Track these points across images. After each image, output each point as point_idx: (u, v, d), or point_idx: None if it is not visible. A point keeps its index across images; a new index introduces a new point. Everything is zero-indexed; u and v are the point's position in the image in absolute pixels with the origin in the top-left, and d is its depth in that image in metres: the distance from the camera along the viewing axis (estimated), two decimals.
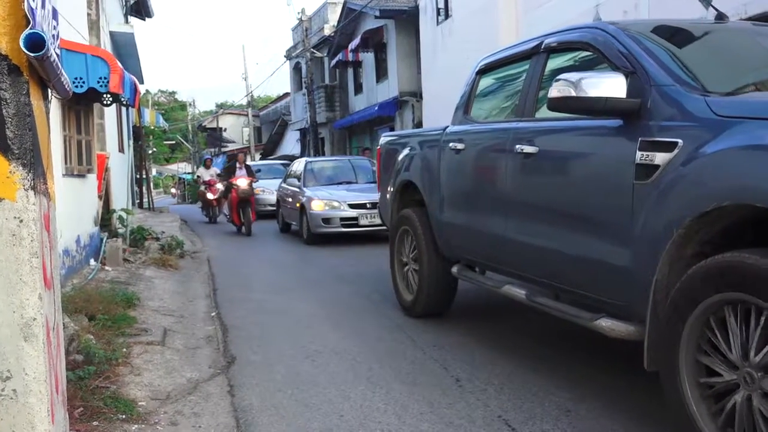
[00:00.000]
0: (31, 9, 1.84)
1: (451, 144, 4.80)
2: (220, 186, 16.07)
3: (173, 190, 36.79)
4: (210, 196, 16.73)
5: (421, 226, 5.25)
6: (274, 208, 15.24)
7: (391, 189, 5.91)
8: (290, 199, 12.94)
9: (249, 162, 28.16)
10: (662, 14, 8.93)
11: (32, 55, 1.84)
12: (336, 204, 11.11)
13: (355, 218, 10.96)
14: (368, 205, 10.92)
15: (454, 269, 4.98)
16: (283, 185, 14.01)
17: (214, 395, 3.78)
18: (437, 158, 5.02)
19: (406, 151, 5.67)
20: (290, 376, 4.11)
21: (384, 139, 6.46)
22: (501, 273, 4.42)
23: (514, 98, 4.26)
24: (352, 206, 11.03)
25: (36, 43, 1.84)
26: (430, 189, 5.12)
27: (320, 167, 13.37)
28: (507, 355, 4.35)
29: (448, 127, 5.05)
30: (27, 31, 1.83)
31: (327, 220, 11.03)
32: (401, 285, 5.76)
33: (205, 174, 17.49)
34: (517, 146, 3.87)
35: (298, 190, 12.46)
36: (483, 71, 4.92)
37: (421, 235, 5.24)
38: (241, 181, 13.13)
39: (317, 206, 11.15)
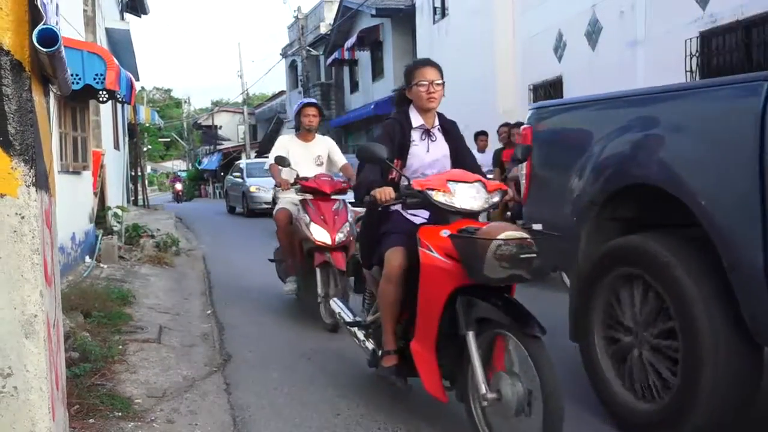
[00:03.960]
0: (43, 4, 1.83)
1: None
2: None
3: (178, 186, 33.99)
4: (318, 237, 4.98)
5: (693, 276, 2.74)
6: (270, 206, 15.15)
7: (581, 200, 3.37)
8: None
9: (244, 160, 25.85)
10: (658, 14, 8.96)
11: (45, 50, 1.84)
12: None
13: None
14: None
15: None
16: None
17: (211, 393, 3.78)
18: (752, 140, 2.48)
19: (620, 131, 3.18)
20: (287, 374, 4.11)
21: (544, 111, 3.95)
22: None
23: None
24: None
25: (49, 38, 1.83)
26: (733, 206, 2.57)
27: None
28: None
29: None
30: (40, 26, 1.83)
31: None
32: (612, 376, 3.21)
33: (308, 161, 5.58)
34: None
35: None
36: None
37: (695, 293, 2.72)
38: (469, 193, 2.98)
39: None
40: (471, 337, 2.75)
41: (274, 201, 13.90)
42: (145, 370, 4.07)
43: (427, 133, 3.44)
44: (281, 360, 4.41)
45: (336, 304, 4.24)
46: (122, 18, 16.12)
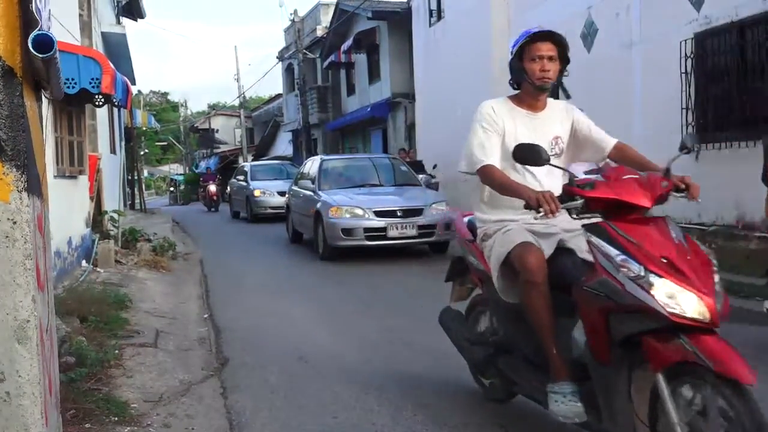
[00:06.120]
0: (38, 10, 1.83)
1: None
2: None
3: (212, 188, 26.84)
4: (680, 306, 2.18)
5: None
6: (275, 211, 14.85)
7: None
8: (302, 205, 10.76)
9: (248, 162, 23.67)
10: (653, 16, 8.98)
11: (41, 56, 1.84)
12: (359, 212, 9.04)
13: (383, 229, 8.94)
14: (399, 213, 9.02)
15: None
16: (294, 188, 11.73)
17: (207, 397, 3.78)
18: None
19: None
20: (283, 377, 4.10)
21: None
22: None
23: None
24: (379, 214, 8.99)
25: (45, 43, 1.83)
26: None
27: (338, 167, 11.20)
28: None
29: None
30: (35, 31, 1.83)
31: (348, 231, 8.98)
32: None
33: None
34: None
35: (312, 193, 10.31)
36: None
37: None
38: None
39: (336, 213, 9.14)
40: None
41: (288, 207, 12.19)
42: (141, 374, 4.06)
43: None
44: (278, 363, 4.40)
45: None
46: (118, 22, 16.08)
